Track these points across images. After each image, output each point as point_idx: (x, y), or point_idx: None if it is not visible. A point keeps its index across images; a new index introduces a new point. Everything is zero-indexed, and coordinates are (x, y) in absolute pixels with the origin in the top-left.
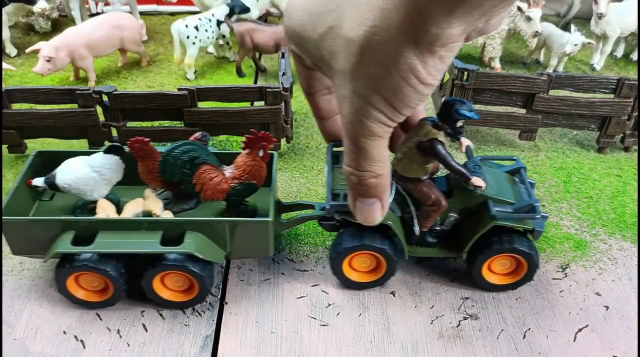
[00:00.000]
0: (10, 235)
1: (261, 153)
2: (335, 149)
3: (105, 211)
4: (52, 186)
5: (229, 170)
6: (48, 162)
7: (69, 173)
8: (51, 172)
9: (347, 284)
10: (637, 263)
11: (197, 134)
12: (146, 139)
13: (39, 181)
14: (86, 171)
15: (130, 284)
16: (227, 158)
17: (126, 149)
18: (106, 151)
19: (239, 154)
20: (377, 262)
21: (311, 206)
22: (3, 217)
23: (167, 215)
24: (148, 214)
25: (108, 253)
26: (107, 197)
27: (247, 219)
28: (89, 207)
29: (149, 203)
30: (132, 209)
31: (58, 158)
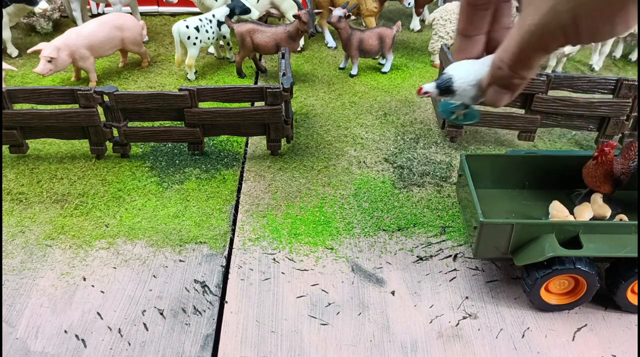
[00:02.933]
0: (484, 237)
1: None
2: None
3: (563, 213)
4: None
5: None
6: None
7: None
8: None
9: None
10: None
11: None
12: (615, 144)
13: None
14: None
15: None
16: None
17: None
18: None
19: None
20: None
21: None
22: (487, 220)
23: (623, 218)
24: (599, 218)
25: (597, 257)
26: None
27: None
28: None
29: (597, 208)
30: (584, 214)
31: None
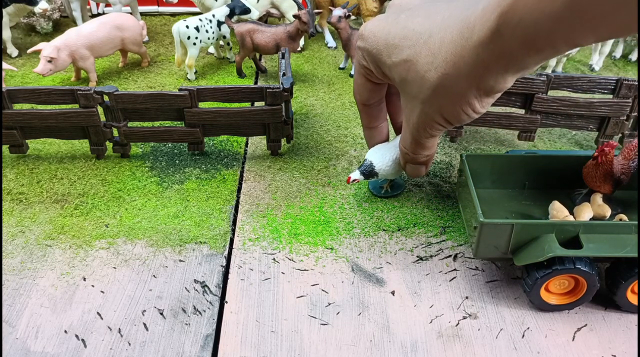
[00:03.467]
0: (484, 237)
1: None
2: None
3: (562, 213)
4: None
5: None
6: None
7: (383, 158)
8: (365, 163)
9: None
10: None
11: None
12: (615, 144)
13: (356, 175)
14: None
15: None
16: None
17: None
18: None
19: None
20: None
21: None
22: (487, 220)
23: (624, 218)
24: (599, 218)
25: (598, 257)
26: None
27: None
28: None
29: (597, 208)
30: (584, 214)
31: None
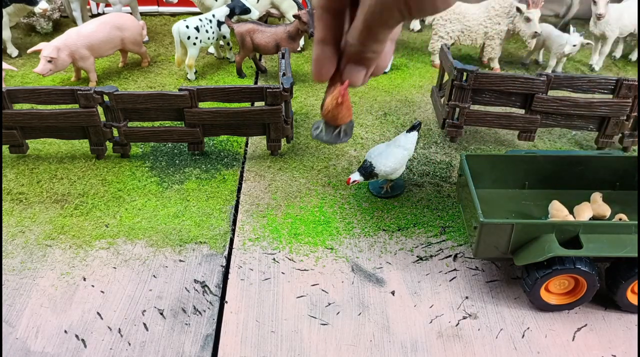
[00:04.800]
0: (484, 237)
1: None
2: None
3: (562, 212)
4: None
5: None
6: None
7: (383, 159)
8: (365, 164)
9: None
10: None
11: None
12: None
13: (356, 176)
14: (399, 151)
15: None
16: None
17: None
18: (410, 130)
19: None
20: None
21: None
22: (487, 220)
23: (623, 218)
24: (598, 218)
25: (598, 257)
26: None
27: None
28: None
29: (597, 208)
30: (584, 213)
31: None
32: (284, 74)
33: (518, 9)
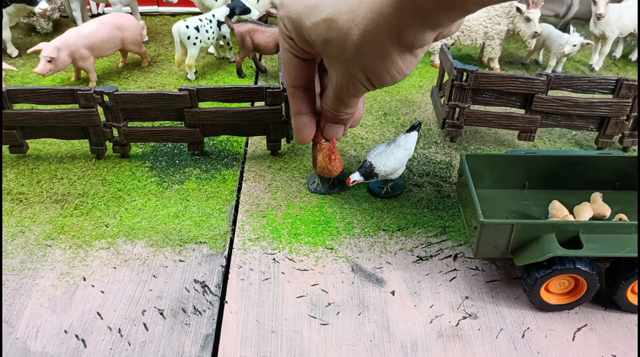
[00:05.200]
0: (484, 237)
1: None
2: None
3: (562, 212)
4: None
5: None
6: None
7: (383, 159)
8: (365, 164)
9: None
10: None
11: None
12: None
13: (356, 176)
14: (399, 151)
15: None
16: None
17: None
18: (410, 130)
19: None
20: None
21: None
22: (487, 220)
23: (623, 218)
24: (598, 218)
25: (598, 257)
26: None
27: None
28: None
29: (597, 208)
30: (584, 213)
31: None
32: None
33: (518, 9)
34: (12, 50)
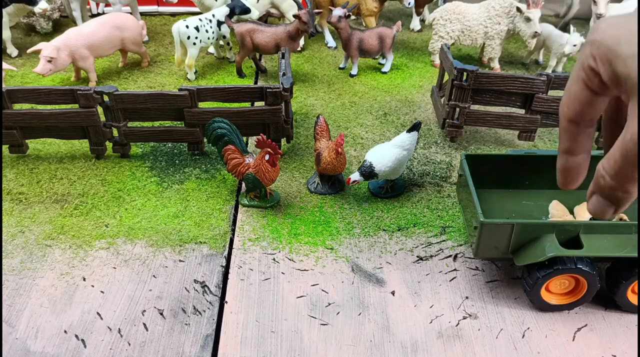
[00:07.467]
0: (484, 237)
1: (267, 157)
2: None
3: (562, 212)
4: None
5: (250, 159)
6: None
7: (383, 159)
8: (365, 164)
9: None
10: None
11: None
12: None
13: (356, 176)
14: (399, 151)
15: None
16: None
17: None
18: (410, 130)
19: None
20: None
21: None
22: (488, 220)
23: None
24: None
25: (598, 257)
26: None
27: None
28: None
29: None
30: (584, 213)
31: None
32: (284, 74)
33: (518, 9)
34: (12, 50)
